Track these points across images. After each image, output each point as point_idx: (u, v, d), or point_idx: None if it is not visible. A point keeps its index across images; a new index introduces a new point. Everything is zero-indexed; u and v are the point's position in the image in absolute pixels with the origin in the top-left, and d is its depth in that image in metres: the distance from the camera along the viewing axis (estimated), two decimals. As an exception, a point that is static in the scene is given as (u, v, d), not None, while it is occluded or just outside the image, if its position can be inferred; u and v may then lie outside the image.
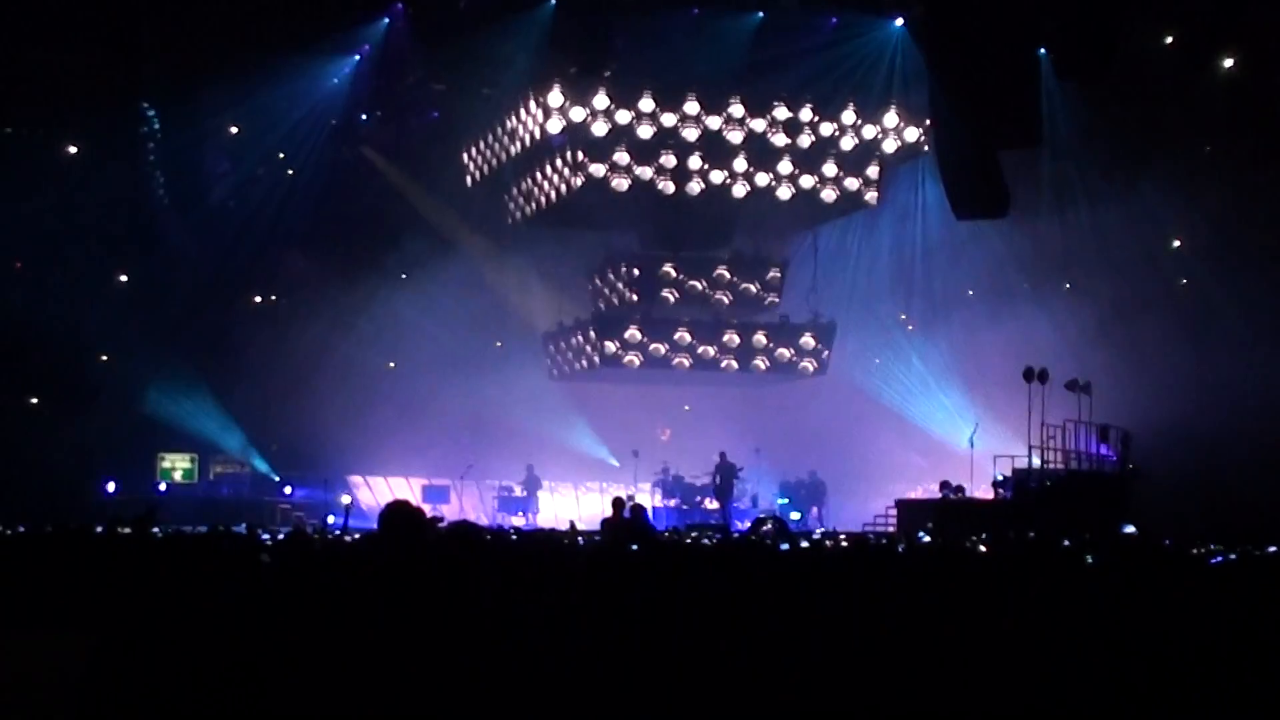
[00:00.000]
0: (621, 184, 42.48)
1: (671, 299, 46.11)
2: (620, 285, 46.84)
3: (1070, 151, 44.34)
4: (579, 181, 42.65)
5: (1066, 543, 20.32)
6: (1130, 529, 27.79)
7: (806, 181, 43.91)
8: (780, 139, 43.12)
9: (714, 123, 42.59)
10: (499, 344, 51.82)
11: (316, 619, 9.43)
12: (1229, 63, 41.53)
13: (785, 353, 47.23)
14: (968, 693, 10.32)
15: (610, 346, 45.89)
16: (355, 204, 49.03)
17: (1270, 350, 40.80)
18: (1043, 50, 37.76)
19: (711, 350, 46.45)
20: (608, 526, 26.81)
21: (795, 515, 45.96)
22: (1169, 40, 42.56)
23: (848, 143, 43.68)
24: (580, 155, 42.43)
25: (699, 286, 46.23)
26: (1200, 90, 42.05)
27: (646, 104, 41.92)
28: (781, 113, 42.90)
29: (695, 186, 43.13)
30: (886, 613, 11.97)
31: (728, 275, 46.67)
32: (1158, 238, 46.11)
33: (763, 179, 43.56)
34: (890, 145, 44.05)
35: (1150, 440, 39.73)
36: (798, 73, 43.10)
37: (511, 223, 47.71)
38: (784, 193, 43.86)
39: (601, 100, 41.61)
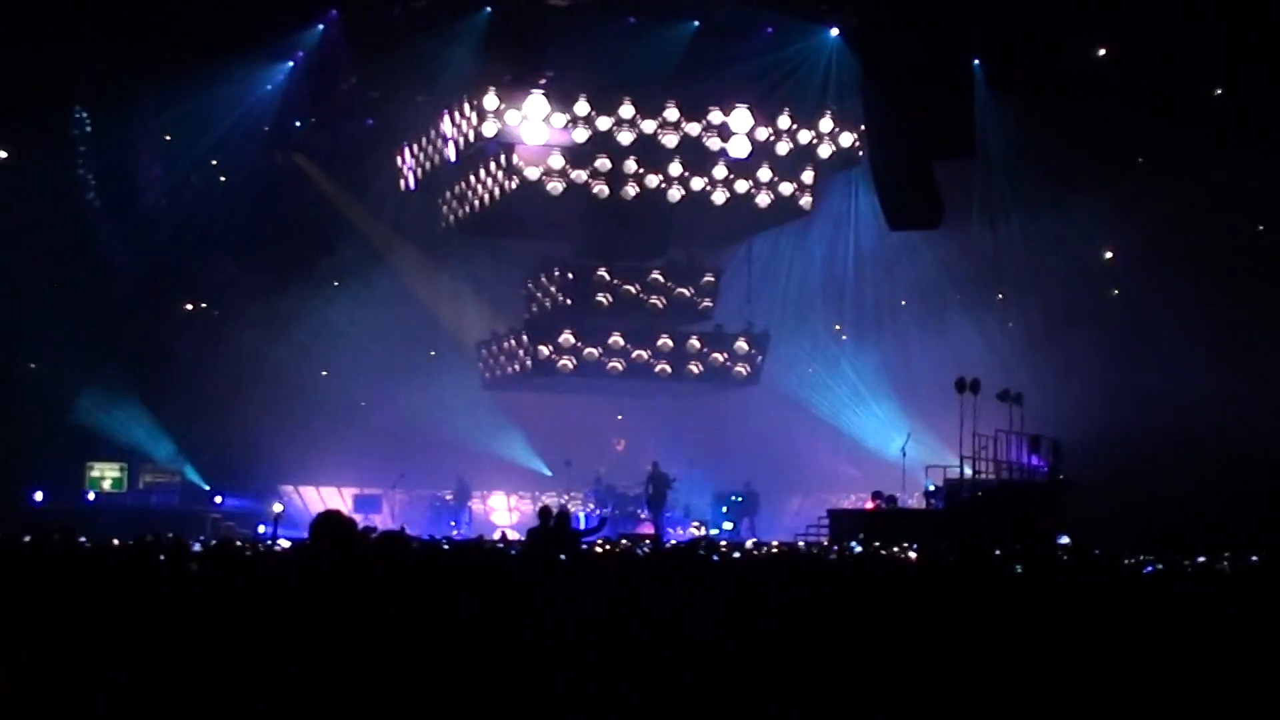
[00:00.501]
0: (557, 187, 42.38)
1: (605, 303, 45.96)
2: (554, 290, 46.69)
3: (1003, 163, 44.56)
4: (513, 185, 42.52)
5: (998, 552, 20.39)
6: (1065, 539, 27.96)
7: (741, 186, 43.79)
8: (715, 143, 43.00)
9: (649, 126, 42.47)
10: (433, 354, 51.63)
11: (244, 627, 9.36)
12: (1160, 75, 41.72)
13: (719, 358, 47.19)
14: (900, 701, 10.30)
15: (543, 350, 45.81)
16: (289, 211, 48.70)
17: (1199, 361, 41.06)
18: (976, 62, 37.95)
19: (645, 355, 46.37)
20: (532, 536, 26.82)
21: (727, 525, 46.02)
22: (1101, 53, 42.81)
23: (783, 147, 43.53)
24: (515, 159, 42.32)
25: (633, 291, 46.11)
26: (1132, 102, 42.27)
27: (582, 107, 41.82)
28: (716, 116, 42.79)
29: (630, 190, 43.03)
30: (818, 622, 11.96)
31: (662, 280, 46.57)
32: (1089, 249, 46.42)
33: (698, 183, 43.43)
34: (825, 150, 43.89)
35: (1081, 450, 39.89)
36: (733, 78, 43.08)
37: (445, 228, 47.50)
38: (719, 197, 43.72)
39: (537, 104, 41.49)
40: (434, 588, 11.72)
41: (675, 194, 43.37)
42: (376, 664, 8.92)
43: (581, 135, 41.92)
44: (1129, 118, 42.82)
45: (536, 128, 41.55)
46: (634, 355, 46.31)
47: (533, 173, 42.27)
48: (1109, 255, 47.07)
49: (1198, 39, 40.09)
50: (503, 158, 42.83)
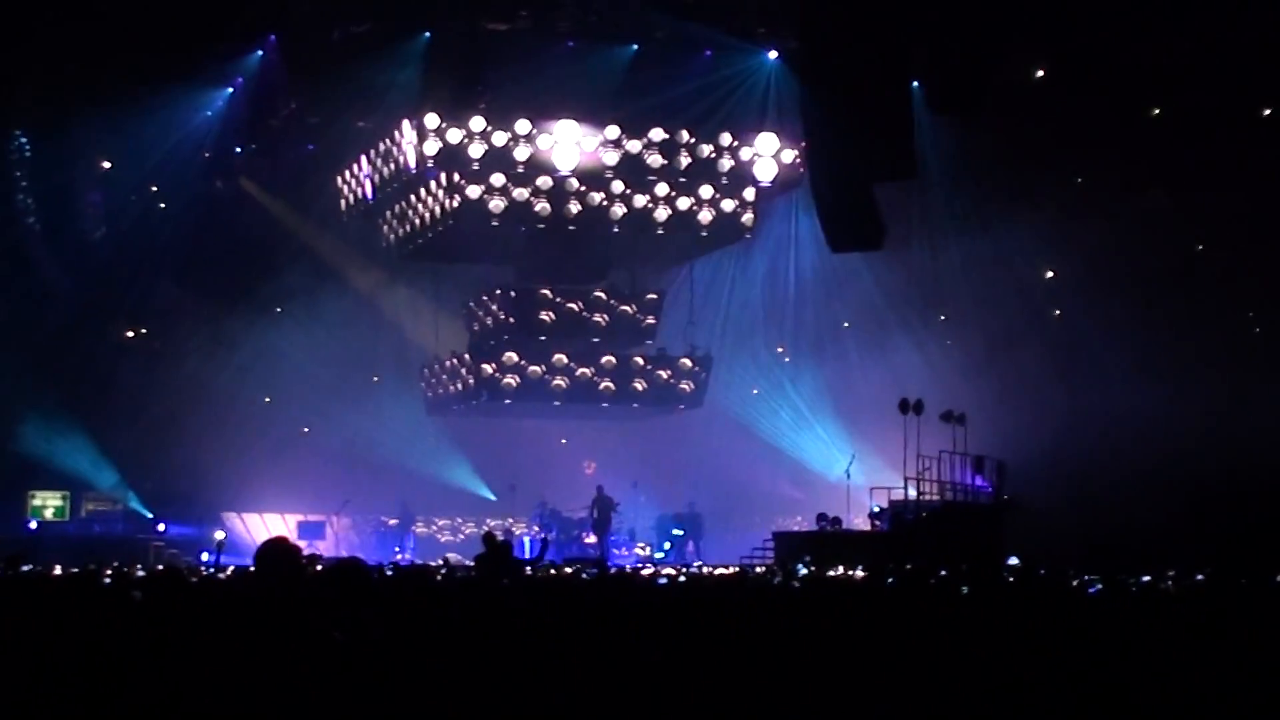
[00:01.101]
0: (498, 205, 42.39)
1: (548, 322, 45.87)
2: (496, 310, 46.56)
3: (943, 184, 44.72)
4: (455, 204, 42.48)
5: (944, 573, 20.44)
6: (1014, 560, 28.05)
7: (683, 203, 43.85)
8: (656, 160, 43.10)
9: (589, 145, 42.56)
10: (376, 379, 51.46)
11: (188, 656, 9.30)
12: (1098, 96, 41.93)
13: (663, 375, 47.14)
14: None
15: (486, 369, 45.68)
16: (229, 237, 48.41)
17: (1141, 380, 41.30)
18: (915, 83, 38.06)
19: (589, 373, 46.30)
20: (479, 562, 26.85)
21: (667, 545, 46.08)
22: (1040, 74, 43.05)
23: (724, 164, 43.66)
24: (456, 178, 42.31)
25: (576, 310, 46.04)
26: (1070, 123, 42.50)
27: (523, 126, 41.87)
28: (658, 134, 42.93)
29: (573, 208, 43.06)
30: (765, 646, 11.96)
31: (605, 300, 46.53)
32: (1030, 270, 46.63)
33: (640, 201, 43.49)
34: (766, 168, 43.98)
35: (1024, 470, 40.07)
36: (673, 99, 43.10)
37: (386, 247, 47.36)
38: (661, 214, 43.75)
39: (477, 123, 41.50)
40: (382, 614, 11.67)
41: (618, 211, 43.39)
42: (327, 690, 8.88)
43: (523, 154, 41.97)
44: (1067, 138, 43.07)
45: (477, 146, 41.60)
46: (578, 374, 46.23)
47: (474, 191, 42.28)
48: (1050, 275, 47.30)
49: (1136, 59, 40.38)
50: (443, 177, 42.75)
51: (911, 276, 48.40)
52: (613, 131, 42.59)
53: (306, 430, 48.75)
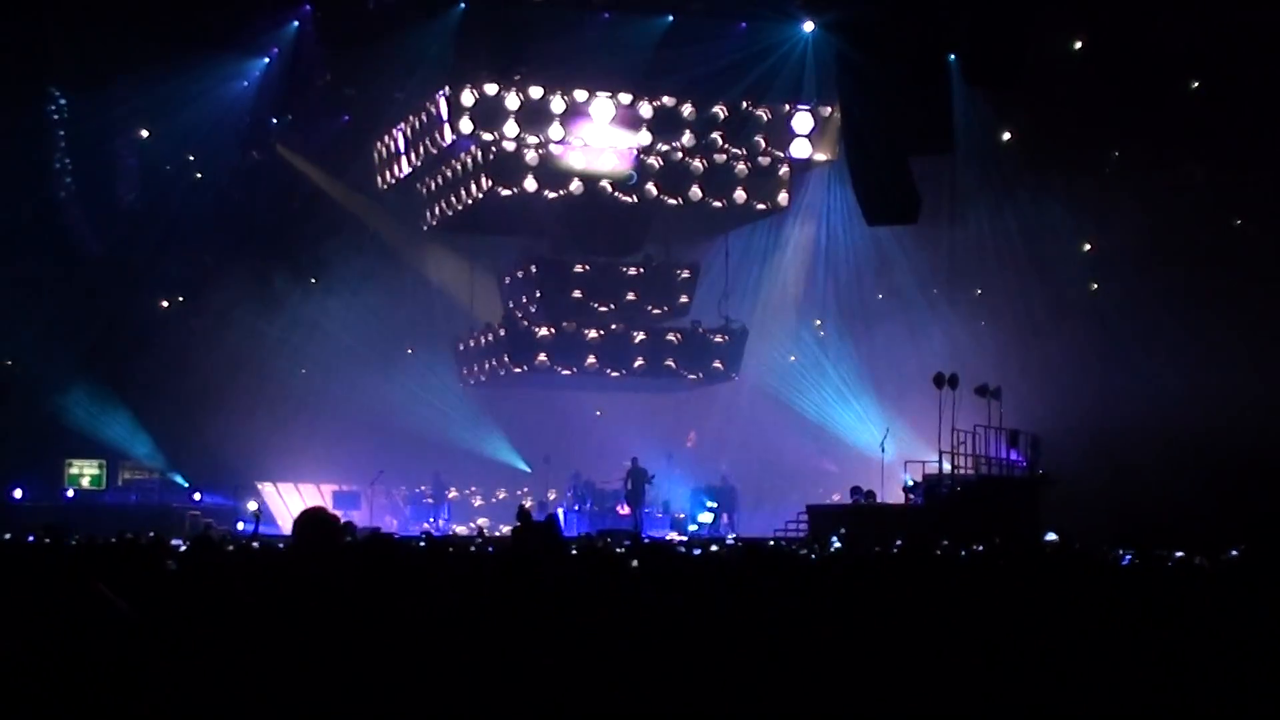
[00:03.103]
0: (533, 178, 42.48)
1: (581, 300, 45.99)
2: (531, 285, 46.68)
3: (980, 157, 44.55)
4: (490, 177, 42.54)
5: (979, 548, 20.38)
6: (1052, 536, 27.92)
7: (717, 182, 43.92)
8: (690, 139, 43.14)
9: (624, 118, 42.59)
10: (410, 350, 51.51)
11: (226, 626, 9.31)
12: (1136, 69, 41.69)
13: (696, 348, 47.21)
14: (882, 702, 10.28)
15: (520, 349, 45.78)
16: (266, 206, 48.63)
17: (1178, 354, 41.08)
18: (952, 57, 37.92)
19: (624, 345, 46.36)
20: (516, 535, 26.70)
21: (704, 518, 45.98)
22: (1078, 46, 42.86)
23: (758, 144, 43.74)
24: (491, 156, 42.34)
25: (609, 289, 46.16)
26: (1108, 95, 42.29)
27: (557, 104, 41.92)
28: (692, 112, 42.96)
29: (606, 187, 43.12)
30: (800, 618, 11.93)
31: (639, 275, 46.60)
32: (1067, 243, 46.38)
33: (673, 179, 43.55)
34: (801, 148, 44.11)
35: (1059, 444, 39.93)
36: (708, 74, 43.03)
37: (425, 227, 47.50)
38: (695, 194, 43.85)
39: (511, 101, 41.57)
40: (417, 585, 11.68)
41: (651, 190, 43.48)
42: (364, 662, 8.89)
43: (557, 132, 42.02)
44: (1105, 111, 42.84)
45: (511, 125, 41.65)
46: (612, 347, 46.29)
47: (509, 170, 42.32)
48: (1087, 249, 47.08)
49: (1174, 30, 40.13)
50: (478, 154, 42.79)
51: (949, 250, 48.21)
52: (646, 107, 42.61)
53: (342, 401, 48.68)
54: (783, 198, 45.35)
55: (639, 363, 46.68)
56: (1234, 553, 20.93)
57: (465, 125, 41.57)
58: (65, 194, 46.56)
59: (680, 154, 43.61)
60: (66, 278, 46.40)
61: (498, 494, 51.32)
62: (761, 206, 45.46)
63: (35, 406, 45.42)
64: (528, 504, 36.47)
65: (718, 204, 44.56)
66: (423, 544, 22.81)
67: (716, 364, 47.60)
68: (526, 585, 12.05)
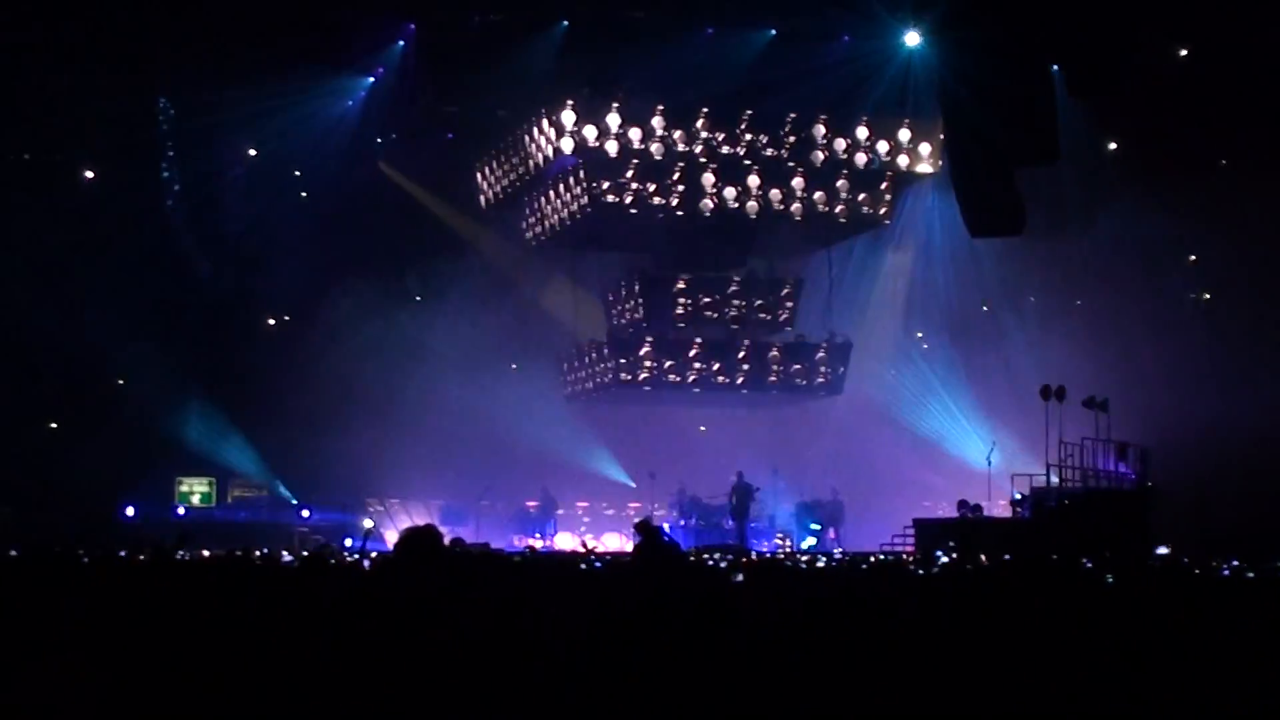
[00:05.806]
0: (634, 196, 42.65)
1: (685, 313, 46.09)
2: (634, 301, 46.79)
3: (1085, 168, 44.25)
4: (591, 201, 42.71)
5: (1088, 562, 20.24)
6: (1164, 550, 27.71)
7: (819, 198, 43.99)
8: (793, 152, 43.18)
9: (725, 140, 42.68)
10: (515, 366, 51.69)
11: (333, 641, 9.41)
12: (1242, 77, 41.30)
13: (799, 367, 47.20)
14: (987, 709, 10.26)
15: (624, 364, 45.93)
16: (371, 226, 48.94)
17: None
18: (1055, 66, 37.68)
19: (724, 367, 46.41)
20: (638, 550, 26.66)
21: (811, 540, 45.79)
22: (1183, 53, 42.51)
23: (860, 159, 43.77)
24: (593, 174, 42.50)
25: (712, 301, 46.24)
26: (1214, 104, 41.93)
27: (658, 122, 42.04)
28: (794, 129, 42.99)
29: (708, 204, 43.19)
30: (906, 631, 11.92)
31: (742, 290, 46.67)
32: (1174, 254, 46.03)
33: (775, 196, 43.64)
34: (903, 161, 44.16)
35: (1169, 457, 39.55)
36: (809, 89, 42.98)
37: (525, 236, 47.77)
38: (797, 210, 43.89)
39: (614, 119, 41.73)
40: (517, 599, 11.74)
41: (753, 207, 43.57)
42: (463, 676, 8.95)
43: (659, 150, 42.15)
44: (1211, 120, 42.48)
45: (613, 143, 41.81)
46: (714, 366, 46.38)
47: (611, 188, 42.48)
48: (1193, 259, 46.68)
49: (1277, 38, 39.73)
50: (580, 173, 42.95)
51: (1053, 261, 47.97)
52: (748, 121, 42.68)
53: (448, 417, 48.85)
54: (885, 213, 45.32)
55: (742, 376, 46.70)
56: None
57: (567, 142, 41.76)
58: (175, 212, 47.06)
59: (783, 167, 43.60)
60: (176, 298, 46.92)
61: (604, 509, 51.38)
62: (864, 221, 45.45)
63: (145, 424, 45.87)
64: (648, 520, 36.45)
65: (821, 218, 44.55)
66: (523, 559, 22.86)
67: (820, 377, 47.56)
68: (655, 604, 12.02)
